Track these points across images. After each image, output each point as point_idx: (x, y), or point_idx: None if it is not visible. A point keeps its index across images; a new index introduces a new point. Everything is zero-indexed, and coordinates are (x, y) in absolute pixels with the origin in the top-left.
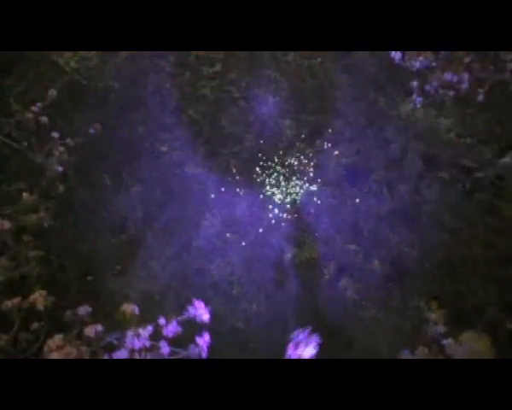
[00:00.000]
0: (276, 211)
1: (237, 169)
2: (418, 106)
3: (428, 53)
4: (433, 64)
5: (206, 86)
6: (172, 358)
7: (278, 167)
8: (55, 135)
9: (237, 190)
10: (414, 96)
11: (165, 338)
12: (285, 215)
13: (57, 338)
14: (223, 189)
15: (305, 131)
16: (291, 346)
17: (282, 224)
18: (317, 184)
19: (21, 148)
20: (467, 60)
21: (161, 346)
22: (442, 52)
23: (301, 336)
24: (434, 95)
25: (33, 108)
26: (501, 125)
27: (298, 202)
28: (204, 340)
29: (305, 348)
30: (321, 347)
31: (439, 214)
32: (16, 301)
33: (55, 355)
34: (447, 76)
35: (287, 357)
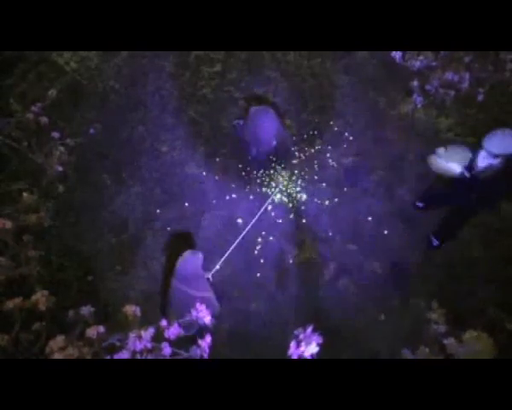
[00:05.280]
0: (276, 211)
1: (237, 169)
2: (418, 106)
3: (428, 52)
4: (434, 64)
5: (206, 86)
6: (174, 358)
7: (278, 167)
8: (55, 135)
9: (237, 189)
10: (414, 95)
11: (167, 340)
12: (285, 215)
13: (59, 339)
14: (223, 189)
15: (305, 131)
16: (292, 345)
17: (282, 224)
18: (316, 184)
19: (21, 148)
20: (467, 60)
21: (163, 347)
22: (442, 52)
23: (302, 335)
24: (435, 94)
25: (33, 108)
26: (501, 125)
27: (298, 202)
28: (206, 341)
29: (307, 347)
30: (321, 347)
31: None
32: (18, 301)
33: (56, 356)
34: (448, 75)
35: (288, 356)
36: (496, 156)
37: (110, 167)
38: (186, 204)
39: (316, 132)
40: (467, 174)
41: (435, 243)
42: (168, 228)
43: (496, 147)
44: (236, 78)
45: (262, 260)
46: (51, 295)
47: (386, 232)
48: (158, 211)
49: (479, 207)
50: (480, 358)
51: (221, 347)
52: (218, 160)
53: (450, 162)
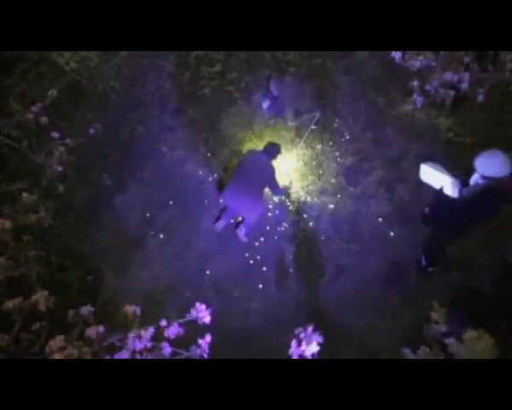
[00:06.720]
0: (276, 211)
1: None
2: (418, 106)
3: (428, 52)
4: (433, 64)
5: (206, 86)
6: (174, 358)
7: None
8: (55, 135)
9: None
10: (414, 96)
11: (167, 340)
12: (285, 215)
13: (59, 339)
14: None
15: (305, 131)
16: (293, 343)
17: (282, 224)
18: (317, 185)
19: (21, 148)
20: (467, 60)
21: (163, 347)
22: (442, 52)
23: (303, 334)
24: (434, 95)
25: (33, 108)
26: (501, 125)
27: (298, 201)
28: (205, 341)
29: (308, 346)
30: (321, 346)
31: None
32: (17, 301)
33: (56, 356)
34: (448, 75)
35: (289, 355)
36: (486, 178)
37: (110, 167)
38: (186, 204)
39: (316, 132)
40: (448, 191)
41: (424, 264)
42: (168, 228)
43: (486, 169)
44: (236, 78)
45: (262, 260)
46: (51, 295)
47: (386, 232)
48: (157, 211)
49: (463, 225)
50: (481, 358)
51: (221, 347)
52: (218, 160)
53: (428, 179)
